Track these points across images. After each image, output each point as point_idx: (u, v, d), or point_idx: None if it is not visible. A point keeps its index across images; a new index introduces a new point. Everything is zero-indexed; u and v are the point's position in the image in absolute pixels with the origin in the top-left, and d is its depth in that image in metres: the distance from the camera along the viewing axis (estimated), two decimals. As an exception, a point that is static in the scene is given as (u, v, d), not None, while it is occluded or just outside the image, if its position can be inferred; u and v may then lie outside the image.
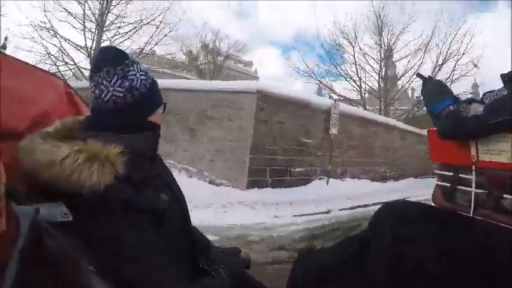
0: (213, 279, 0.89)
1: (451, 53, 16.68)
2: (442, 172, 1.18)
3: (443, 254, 0.95)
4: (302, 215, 6.10)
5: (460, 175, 1.11)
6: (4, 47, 12.56)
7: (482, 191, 1.03)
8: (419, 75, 1.29)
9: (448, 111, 1.08)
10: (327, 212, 8.12)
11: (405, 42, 17.54)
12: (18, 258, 0.41)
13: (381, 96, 17.11)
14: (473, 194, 1.05)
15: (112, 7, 13.99)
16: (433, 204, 1.18)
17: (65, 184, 0.67)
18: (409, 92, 19.13)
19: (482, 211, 1.02)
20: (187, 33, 24.63)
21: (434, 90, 1.19)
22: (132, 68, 0.84)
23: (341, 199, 9.11)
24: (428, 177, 14.77)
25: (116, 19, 14.21)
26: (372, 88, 17.71)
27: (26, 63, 0.96)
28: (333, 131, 9.85)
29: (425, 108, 1.45)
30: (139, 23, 14.34)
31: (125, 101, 0.81)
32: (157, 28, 14.68)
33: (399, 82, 17.69)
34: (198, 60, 22.22)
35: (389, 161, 12.67)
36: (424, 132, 15.16)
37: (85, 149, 0.72)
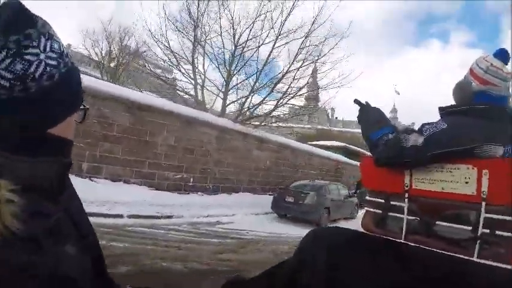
0: None
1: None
2: (373, 199, 1.21)
3: (378, 283, 0.97)
4: None
5: (391, 202, 1.16)
6: None
7: (414, 217, 1.10)
8: (356, 101, 1.31)
9: (386, 139, 1.13)
10: None
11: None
12: None
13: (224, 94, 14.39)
14: (405, 220, 1.10)
15: None
16: (363, 230, 1.20)
17: None
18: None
19: (414, 237, 1.08)
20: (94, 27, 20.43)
21: (372, 117, 1.23)
22: (35, 43, 0.55)
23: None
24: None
25: None
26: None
27: None
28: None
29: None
30: None
31: (10, 94, 0.53)
32: None
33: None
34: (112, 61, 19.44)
35: (196, 166, 10.30)
36: (269, 136, 13.17)
37: None
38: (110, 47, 20.80)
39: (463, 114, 1.09)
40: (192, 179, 10.06)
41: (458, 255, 0.96)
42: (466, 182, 1.01)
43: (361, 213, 13.11)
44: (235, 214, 9.36)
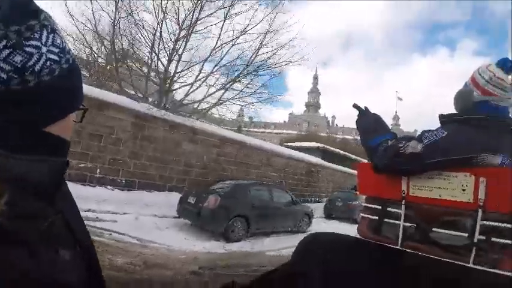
0: None
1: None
2: (369, 205, 1.22)
3: None
4: None
5: (388, 209, 1.16)
6: None
7: (410, 224, 1.10)
8: (355, 106, 1.30)
9: (386, 146, 1.14)
10: None
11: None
12: None
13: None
14: (401, 226, 1.11)
15: None
16: (359, 236, 1.21)
17: None
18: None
19: (410, 243, 1.09)
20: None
21: (372, 123, 1.24)
22: (37, 35, 0.52)
23: None
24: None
25: None
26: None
27: None
28: None
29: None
30: None
31: (7, 88, 0.50)
32: None
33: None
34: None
35: (103, 156, 9.10)
36: (208, 127, 11.89)
37: None
38: (100, 49, 19.43)
39: (462, 123, 1.10)
40: (98, 170, 9.07)
41: (454, 262, 0.98)
42: (464, 190, 1.03)
43: (321, 226, 11.23)
44: (128, 213, 8.12)
